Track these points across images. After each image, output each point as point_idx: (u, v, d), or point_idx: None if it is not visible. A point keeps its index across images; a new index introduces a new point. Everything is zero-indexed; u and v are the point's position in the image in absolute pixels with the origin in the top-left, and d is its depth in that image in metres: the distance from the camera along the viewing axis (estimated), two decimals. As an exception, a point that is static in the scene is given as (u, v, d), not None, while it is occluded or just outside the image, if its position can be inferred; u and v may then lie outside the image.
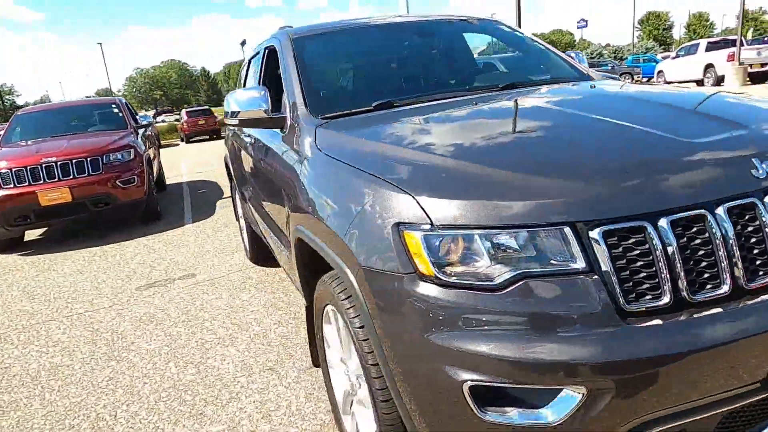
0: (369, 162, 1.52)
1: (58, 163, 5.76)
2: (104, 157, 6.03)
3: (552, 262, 1.15)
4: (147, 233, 6.18)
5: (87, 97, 44.18)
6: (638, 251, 1.15)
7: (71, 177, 5.80)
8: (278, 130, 2.38)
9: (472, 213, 1.19)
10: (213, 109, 27.42)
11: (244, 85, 3.94)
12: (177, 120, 28.23)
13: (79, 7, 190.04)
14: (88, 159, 5.90)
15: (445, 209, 1.21)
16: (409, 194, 1.26)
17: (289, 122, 2.25)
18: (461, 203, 1.21)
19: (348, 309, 1.54)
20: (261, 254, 4.32)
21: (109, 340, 3.31)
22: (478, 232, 1.18)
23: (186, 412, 2.44)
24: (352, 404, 1.88)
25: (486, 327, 1.15)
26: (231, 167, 4.11)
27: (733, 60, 17.36)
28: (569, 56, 2.90)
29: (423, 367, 1.23)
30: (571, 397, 1.11)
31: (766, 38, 21.81)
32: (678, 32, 77.69)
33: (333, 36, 2.74)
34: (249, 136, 3.03)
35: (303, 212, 1.82)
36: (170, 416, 2.41)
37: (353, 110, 2.13)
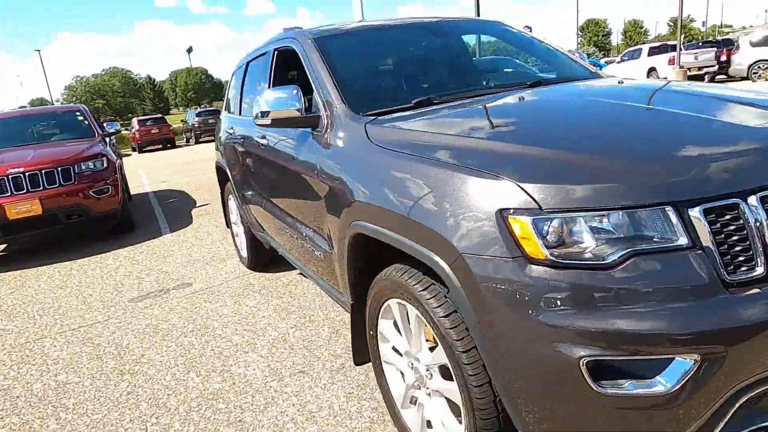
0: (451, 154, 1.54)
1: (27, 174, 5.43)
2: (76, 166, 5.74)
3: (656, 240, 1.22)
4: (124, 245, 5.92)
5: (21, 107, 41.58)
6: (733, 227, 1.23)
7: (41, 188, 5.49)
8: (309, 130, 2.37)
9: (579, 196, 1.24)
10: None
11: (242, 90, 3.87)
12: (127, 129, 27.04)
13: (12, 13, 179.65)
14: (59, 169, 5.61)
15: (551, 194, 1.26)
16: (512, 181, 1.30)
17: (325, 120, 2.25)
18: (567, 188, 1.26)
19: (429, 299, 1.56)
20: (261, 260, 4.25)
21: (116, 354, 3.16)
22: (585, 214, 1.24)
23: (223, 420, 2.37)
24: (416, 397, 1.90)
25: (599, 303, 1.21)
26: (229, 172, 4.01)
27: (673, 64, 18.49)
28: (573, 55, 3.03)
29: (533, 347, 1.27)
30: (683, 363, 1.18)
31: (700, 44, 23.33)
32: (616, 38, 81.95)
33: (353, 36, 2.75)
34: (264, 137, 2.99)
35: (363, 206, 1.82)
36: (207, 425, 2.34)
37: (394, 107, 2.16)
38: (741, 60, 17.90)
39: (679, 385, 1.18)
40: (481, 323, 1.36)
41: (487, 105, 2.06)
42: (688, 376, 1.18)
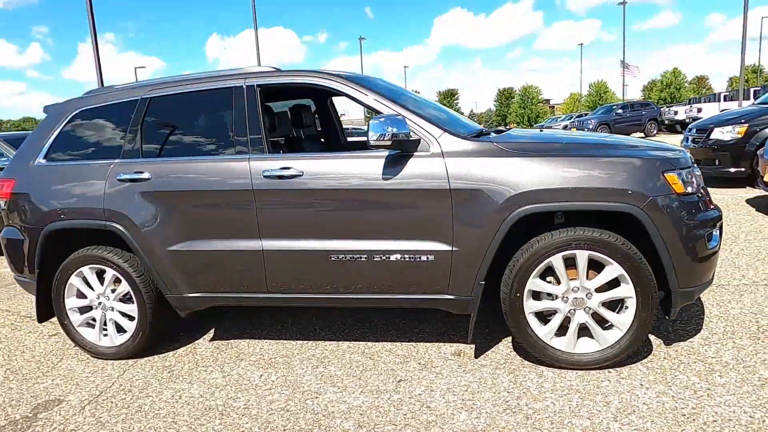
0: (605, 150, 2.63)
1: None
2: None
3: (694, 183, 2.71)
4: None
5: None
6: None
7: None
8: (397, 152, 2.75)
9: (682, 163, 2.64)
10: None
11: (142, 129, 3.24)
12: None
13: None
14: None
15: (677, 163, 2.61)
16: (666, 158, 2.58)
17: (429, 143, 2.75)
18: (679, 159, 2.64)
19: (608, 238, 2.56)
20: (162, 333, 3.45)
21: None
22: (686, 170, 2.63)
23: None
24: (565, 324, 2.73)
25: (699, 209, 2.61)
26: (132, 230, 3.11)
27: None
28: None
29: (692, 233, 2.54)
30: (716, 233, 2.72)
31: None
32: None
33: (372, 82, 3.22)
34: (287, 169, 2.84)
35: (531, 193, 2.55)
36: (408, 442, 2.28)
37: (479, 135, 2.94)
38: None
39: (718, 242, 2.71)
40: (663, 230, 2.51)
41: (548, 131, 3.17)
42: (718, 233, 2.72)
